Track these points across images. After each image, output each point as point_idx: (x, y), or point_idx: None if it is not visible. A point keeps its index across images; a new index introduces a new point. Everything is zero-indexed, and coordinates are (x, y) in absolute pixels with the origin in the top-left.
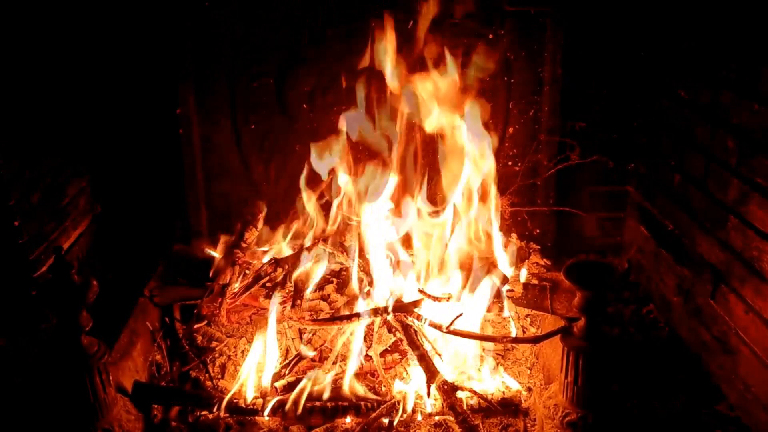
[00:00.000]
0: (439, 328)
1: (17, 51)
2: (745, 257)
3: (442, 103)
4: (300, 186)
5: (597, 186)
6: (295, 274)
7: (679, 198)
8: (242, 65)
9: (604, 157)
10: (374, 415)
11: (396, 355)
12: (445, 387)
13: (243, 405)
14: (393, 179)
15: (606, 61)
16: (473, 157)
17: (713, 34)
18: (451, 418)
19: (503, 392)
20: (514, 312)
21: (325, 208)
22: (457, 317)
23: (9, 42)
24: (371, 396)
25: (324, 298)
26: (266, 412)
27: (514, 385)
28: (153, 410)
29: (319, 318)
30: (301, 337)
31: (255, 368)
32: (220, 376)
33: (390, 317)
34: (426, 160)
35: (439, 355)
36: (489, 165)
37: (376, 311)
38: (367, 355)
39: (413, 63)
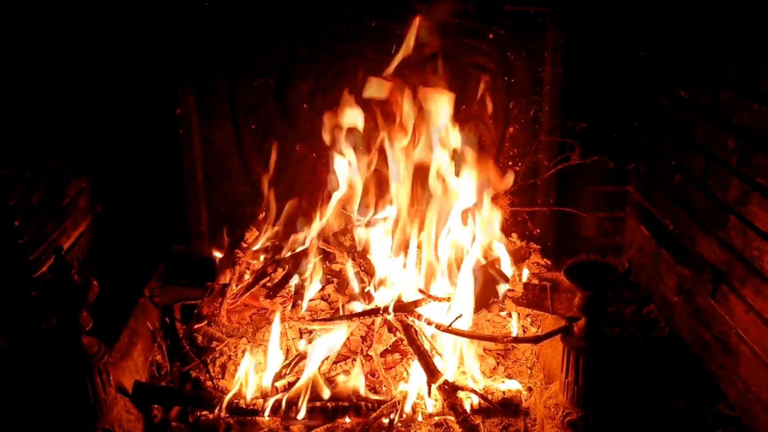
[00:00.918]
0: (439, 327)
1: (17, 51)
2: (745, 257)
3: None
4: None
5: (597, 186)
6: (295, 278)
7: (679, 198)
8: (242, 65)
9: (605, 156)
10: (374, 415)
11: (396, 355)
12: (446, 387)
13: (243, 405)
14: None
15: (606, 60)
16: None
17: (713, 33)
18: (452, 418)
19: (503, 392)
20: (515, 311)
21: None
22: (458, 318)
23: (9, 42)
24: (372, 396)
25: (324, 298)
26: (266, 413)
27: (515, 386)
28: (153, 410)
29: (319, 318)
30: (301, 337)
31: (255, 368)
32: (220, 376)
33: (390, 317)
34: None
35: (440, 354)
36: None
37: (376, 311)
38: (367, 355)
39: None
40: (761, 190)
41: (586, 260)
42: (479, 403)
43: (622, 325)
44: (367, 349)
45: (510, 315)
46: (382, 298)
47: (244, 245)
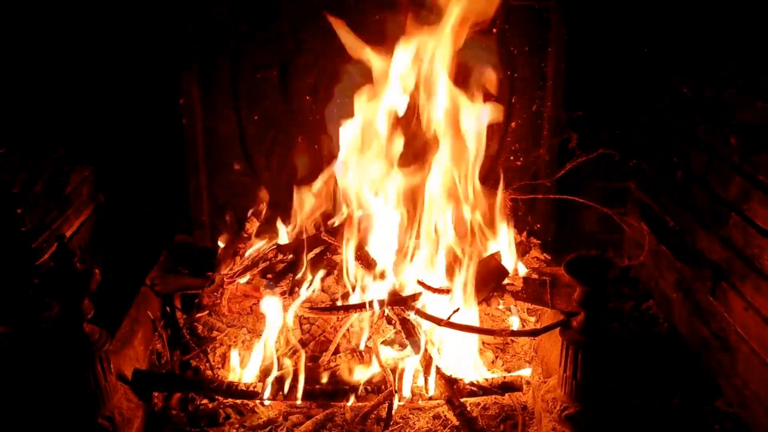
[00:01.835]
0: (437, 320)
1: (19, 41)
2: (745, 254)
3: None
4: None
5: (598, 182)
6: (298, 273)
7: (680, 195)
8: (246, 56)
9: (610, 150)
10: (372, 404)
11: (395, 346)
12: (444, 379)
13: (243, 388)
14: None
15: (609, 57)
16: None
17: (716, 31)
18: (449, 413)
19: (504, 377)
20: (514, 306)
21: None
22: (455, 311)
23: (11, 32)
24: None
25: (323, 289)
26: (266, 395)
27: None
28: (153, 398)
29: (317, 307)
30: (300, 326)
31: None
32: (220, 366)
33: (388, 310)
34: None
35: (438, 349)
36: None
37: (374, 302)
38: (366, 346)
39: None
40: (763, 188)
41: (585, 255)
42: (479, 388)
43: (621, 320)
44: (367, 340)
45: (509, 309)
46: (381, 290)
47: (245, 235)
